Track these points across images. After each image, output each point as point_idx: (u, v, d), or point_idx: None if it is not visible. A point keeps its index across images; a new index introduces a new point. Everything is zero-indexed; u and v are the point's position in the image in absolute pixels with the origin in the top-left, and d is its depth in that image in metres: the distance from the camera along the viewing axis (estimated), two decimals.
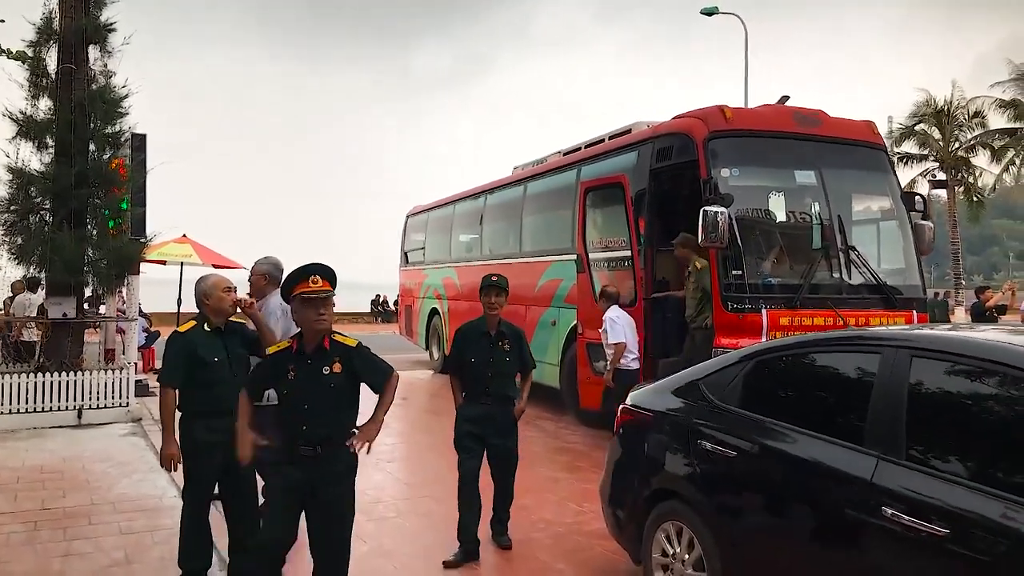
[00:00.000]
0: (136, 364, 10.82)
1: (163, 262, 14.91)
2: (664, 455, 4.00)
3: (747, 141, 7.51)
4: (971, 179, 29.94)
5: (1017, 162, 30.63)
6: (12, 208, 9.39)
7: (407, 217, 17.23)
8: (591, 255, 8.49)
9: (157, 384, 4.51)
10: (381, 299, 33.39)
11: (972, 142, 30.09)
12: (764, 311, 6.92)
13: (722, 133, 7.41)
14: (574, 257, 9.16)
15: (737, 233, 7.00)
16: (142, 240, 10.61)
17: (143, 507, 5.78)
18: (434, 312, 14.69)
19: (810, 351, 3.57)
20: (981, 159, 30.50)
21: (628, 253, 8.01)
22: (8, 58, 11.79)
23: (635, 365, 7.32)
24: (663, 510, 3.88)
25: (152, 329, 14.76)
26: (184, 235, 15.09)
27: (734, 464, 3.49)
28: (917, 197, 8.10)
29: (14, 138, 9.57)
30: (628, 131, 9.45)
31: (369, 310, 32.82)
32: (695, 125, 7.55)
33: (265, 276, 5.23)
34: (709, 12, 24.31)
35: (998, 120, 29.92)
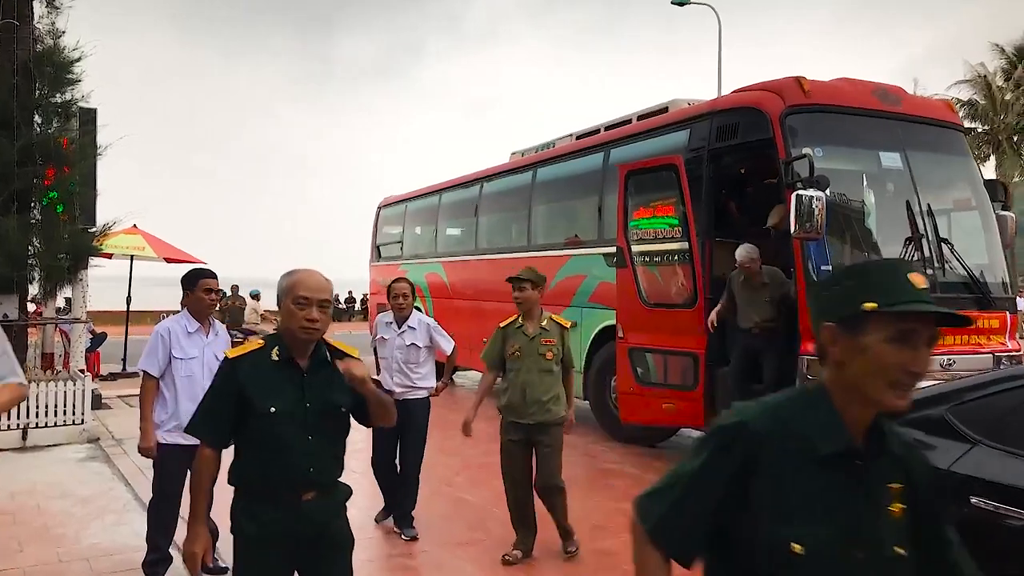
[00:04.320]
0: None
1: (110, 255, 13.30)
2: None
3: (829, 118, 6.57)
4: None
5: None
6: None
7: (379, 209, 15.89)
8: (634, 248, 7.43)
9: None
10: (347, 296, 31.93)
11: None
12: None
13: (801, 108, 6.46)
14: (606, 250, 8.12)
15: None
16: (91, 230, 9.15)
17: (126, 565, 4.49)
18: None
19: None
20: None
21: (684, 245, 6.97)
22: None
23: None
24: None
25: (98, 331, 13.17)
26: (135, 225, 13.49)
27: None
28: (1000, 185, 7.31)
29: None
30: (664, 109, 8.44)
31: None
32: (769, 99, 6.57)
33: None
34: (680, 2, 23.55)
35: None
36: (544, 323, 4.75)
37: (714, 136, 7.07)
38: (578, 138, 9.87)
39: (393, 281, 5.45)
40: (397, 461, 5.29)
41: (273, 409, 2.42)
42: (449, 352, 5.46)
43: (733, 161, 7.23)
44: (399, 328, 5.37)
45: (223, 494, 2.60)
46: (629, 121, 9.01)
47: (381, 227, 15.70)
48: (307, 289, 2.45)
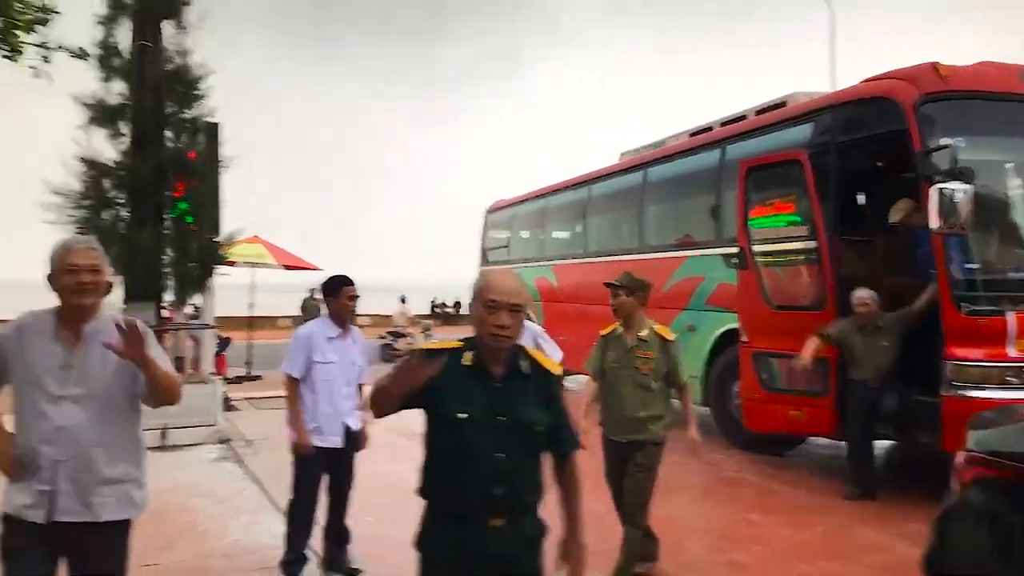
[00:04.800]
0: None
1: (233, 263, 13.95)
2: None
3: (969, 105, 6.14)
4: None
5: None
6: (85, 203, 8.36)
7: (487, 213, 16.04)
8: (756, 247, 7.17)
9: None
10: (440, 301, 32.45)
11: None
12: (1011, 314, 5.56)
13: (937, 96, 6.06)
14: (725, 250, 7.89)
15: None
16: (217, 239, 9.58)
17: (263, 563, 4.62)
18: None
19: None
20: None
21: (811, 244, 6.67)
22: (71, 57, 10.90)
23: None
24: None
25: (223, 335, 13.81)
26: (255, 235, 14.10)
27: None
28: None
29: (86, 125, 8.56)
30: (783, 103, 8.13)
31: (430, 312, 31.82)
32: (901, 88, 6.21)
33: None
34: None
35: None
36: (643, 333, 4.27)
37: (840, 129, 6.76)
38: (692, 135, 9.64)
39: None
40: None
41: (464, 415, 2.21)
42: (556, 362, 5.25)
43: (862, 155, 6.89)
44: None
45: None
46: (744, 117, 8.73)
47: (489, 231, 15.84)
48: (497, 292, 2.24)
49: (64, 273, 2.53)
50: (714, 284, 8.20)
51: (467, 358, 2.29)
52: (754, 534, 5.36)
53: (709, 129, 9.33)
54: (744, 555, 4.95)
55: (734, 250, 7.51)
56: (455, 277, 17.47)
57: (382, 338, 17.87)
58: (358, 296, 4.39)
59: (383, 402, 2.21)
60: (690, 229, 9.13)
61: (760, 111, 8.47)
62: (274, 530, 5.14)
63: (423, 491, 2.33)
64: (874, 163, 7.18)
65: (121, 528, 2.68)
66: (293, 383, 4.25)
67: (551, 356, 5.17)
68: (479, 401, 2.23)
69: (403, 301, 19.96)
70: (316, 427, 4.22)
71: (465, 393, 2.24)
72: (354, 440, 4.39)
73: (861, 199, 7.62)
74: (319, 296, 4.53)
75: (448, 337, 2.54)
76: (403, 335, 18.30)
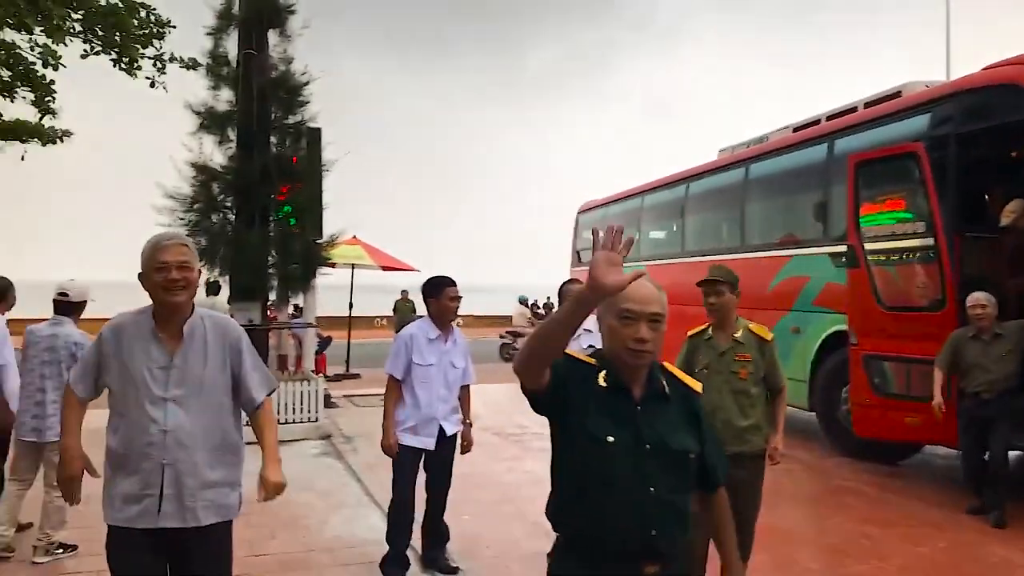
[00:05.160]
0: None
1: (333, 264, 14.33)
2: None
3: None
4: None
5: None
6: (195, 206, 8.72)
7: (578, 214, 15.93)
8: (868, 246, 6.81)
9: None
10: (533, 302, 32.52)
11: None
12: None
13: None
14: (833, 249, 7.55)
15: None
16: (319, 241, 9.82)
17: (364, 558, 4.66)
18: None
19: None
20: None
21: (928, 241, 6.29)
22: (180, 67, 11.41)
23: None
24: None
25: (324, 335, 14.19)
26: (355, 236, 14.42)
27: None
28: None
29: (196, 132, 8.93)
30: (897, 94, 7.72)
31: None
32: None
33: None
34: None
35: None
36: (739, 334, 3.77)
37: (961, 119, 6.34)
38: (796, 130, 9.28)
39: (565, 283, 4.89)
40: None
41: (611, 438, 1.86)
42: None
43: (986, 145, 6.43)
44: (574, 333, 5.17)
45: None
46: (854, 109, 8.33)
47: (581, 232, 15.73)
48: (633, 301, 1.89)
49: (154, 271, 2.48)
50: (821, 284, 7.86)
51: (602, 379, 1.94)
52: (870, 547, 5.06)
53: (814, 123, 8.97)
54: (861, 569, 4.68)
55: (842, 248, 7.17)
56: (549, 278, 17.49)
57: (502, 337, 18.33)
58: (460, 297, 4.35)
59: (541, 344, 1.81)
60: (795, 227, 8.78)
61: (870, 103, 8.06)
62: (374, 525, 5.22)
63: (559, 522, 1.99)
64: (998, 154, 6.71)
65: (222, 530, 2.63)
66: (394, 383, 4.26)
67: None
68: (623, 426, 1.89)
69: (523, 303, 20.54)
70: (412, 426, 4.22)
71: (606, 415, 1.89)
72: (448, 442, 4.37)
73: (990, 192, 7.13)
74: (412, 298, 4.56)
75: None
76: (522, 335, 18.68)
